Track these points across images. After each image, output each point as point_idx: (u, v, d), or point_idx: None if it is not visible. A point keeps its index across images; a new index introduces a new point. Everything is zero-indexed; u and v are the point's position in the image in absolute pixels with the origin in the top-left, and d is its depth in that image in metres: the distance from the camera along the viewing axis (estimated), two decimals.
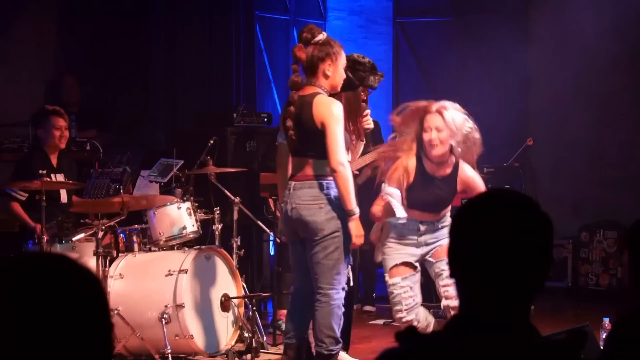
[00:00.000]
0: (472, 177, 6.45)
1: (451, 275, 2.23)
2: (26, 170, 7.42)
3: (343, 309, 5.99)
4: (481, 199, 2.26)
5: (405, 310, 6.45)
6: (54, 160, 7.71)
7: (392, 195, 6.34)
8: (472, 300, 2.18)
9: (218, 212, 7.51)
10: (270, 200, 8.02)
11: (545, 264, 2.21)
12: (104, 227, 6.80)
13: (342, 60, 6.03)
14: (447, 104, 6.32)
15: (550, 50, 10.54)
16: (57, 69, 9.85)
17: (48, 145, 7.68)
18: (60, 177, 7.61)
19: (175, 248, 7.25)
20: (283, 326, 7.87)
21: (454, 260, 2.21)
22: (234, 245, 7.48)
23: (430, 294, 9.27)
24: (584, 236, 10.07)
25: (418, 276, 6.55)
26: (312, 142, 5.83)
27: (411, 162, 6.36)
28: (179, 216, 7.19)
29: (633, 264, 3.24)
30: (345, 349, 6.78)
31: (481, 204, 2.23)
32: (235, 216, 7.60)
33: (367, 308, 9.38)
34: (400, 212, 6.32)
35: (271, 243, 9.01)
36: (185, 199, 7.32)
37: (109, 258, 6.92)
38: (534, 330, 2.19)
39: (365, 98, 6.61)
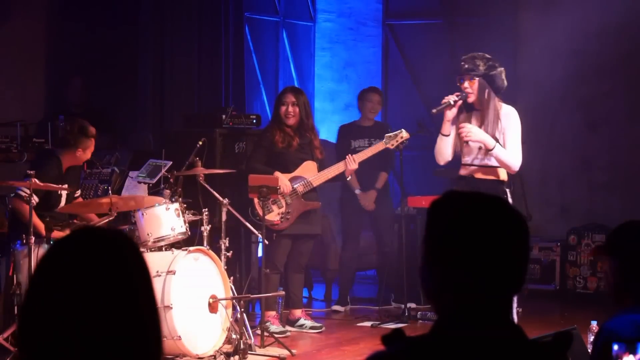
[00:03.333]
0: None
1: (433, 278, 2.22)
2: (47, 172, 7.18)
3: None
4: (454, 202, 2.25)
5: None
6: (64, 169, 7.50)
7: None
8: (455, 302, 2.19)
9: (206, 213, 7.51)
10: (256, 202, 8.02)
11: (524, 265, 2.22)
12: None
13: None
14: None
15: (538, 53, 10.55)
16: (46, 70, 9.84)
17: (70, 158, 7.38)
18: (64, 187, 7.52)
19: (164, 249, 7.24)
20: (271, 328, 7.89)
21: (434, 264, 2.22)
22: (222, 247, 7.49)
23: (418, 295, 9.29)
24: (572, 239, 10.09)
25: None
26: None
27: None
28: (167, 217, 7.18)
29: (617, 269, 3.26)
30: None
31: (454, 207, 2.23)
32: (224, 217, 7.61)
33: (336, 308, 9.39)
34: None
35: (259, 244, 9.00)
36: (173, 200, 7.32)
37: None
38: (520, 332, 2.20)
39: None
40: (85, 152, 7.43)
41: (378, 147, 8.42)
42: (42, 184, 6.89)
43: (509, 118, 7.21)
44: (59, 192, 7.42)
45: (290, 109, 8.29)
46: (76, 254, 1.92)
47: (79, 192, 7.68)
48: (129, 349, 1.90)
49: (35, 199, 7.13)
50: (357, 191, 9.20)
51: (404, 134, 8.36)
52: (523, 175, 10.00)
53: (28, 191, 6.93)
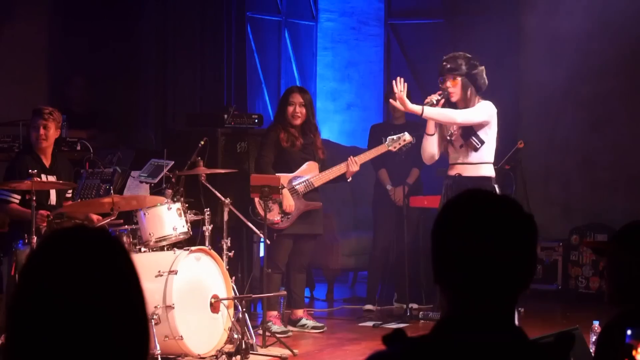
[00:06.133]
0: None
1: (435, 279, 2.22)
2: (13, 171, 7.38)
3: None
4: (462, 201, 2.25)
5: None
6: (46, 161, 7.51)
7: None
8: (457, 302, 2.18)
9: (208, 213, 7.50)
10: (257, 201, 8.01)
11: (530, 265, 2.21)
12: None
13: None
14: None
15: (541, 52, 10.54)
16: (48, 69, 9.84)
17: (34, 146, 7.52)
18: (52, 179, 7.52)
19: (166, 249, 7.24)
20: (273, 327, 7.88)
21: (438, 263, 2.21)
22: (224, 246, 7.49)
23: (420, 295, 9.29)
24: (575, 239, 10.07)
25: None
26: None
27: None
28: (169, 217, 7.18)
29: (626, 264, 3.24)
30: None
31: (462, 206, 2.22)
32: (226, 217, 7.60)
33: (369, 307, 9.31)
34: None
35: (261, 244, 8.99)
36: (175, 199, 7.31)
37: None
38: (521, 332, 2.19)
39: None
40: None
41: (380, 149, 8.40)
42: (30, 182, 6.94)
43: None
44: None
45: (298, 109, 8.28)
46: (59, 253, 1.90)
47: (70, 192, 7.67)
48: (123, 343, 1.89)
49: (16, 198, 7.26)
50: (389, 186, 9.19)
51: (407, 137, 8.34)
52: (525, 175, 10.04)
53: (13, 194, 7.30)
